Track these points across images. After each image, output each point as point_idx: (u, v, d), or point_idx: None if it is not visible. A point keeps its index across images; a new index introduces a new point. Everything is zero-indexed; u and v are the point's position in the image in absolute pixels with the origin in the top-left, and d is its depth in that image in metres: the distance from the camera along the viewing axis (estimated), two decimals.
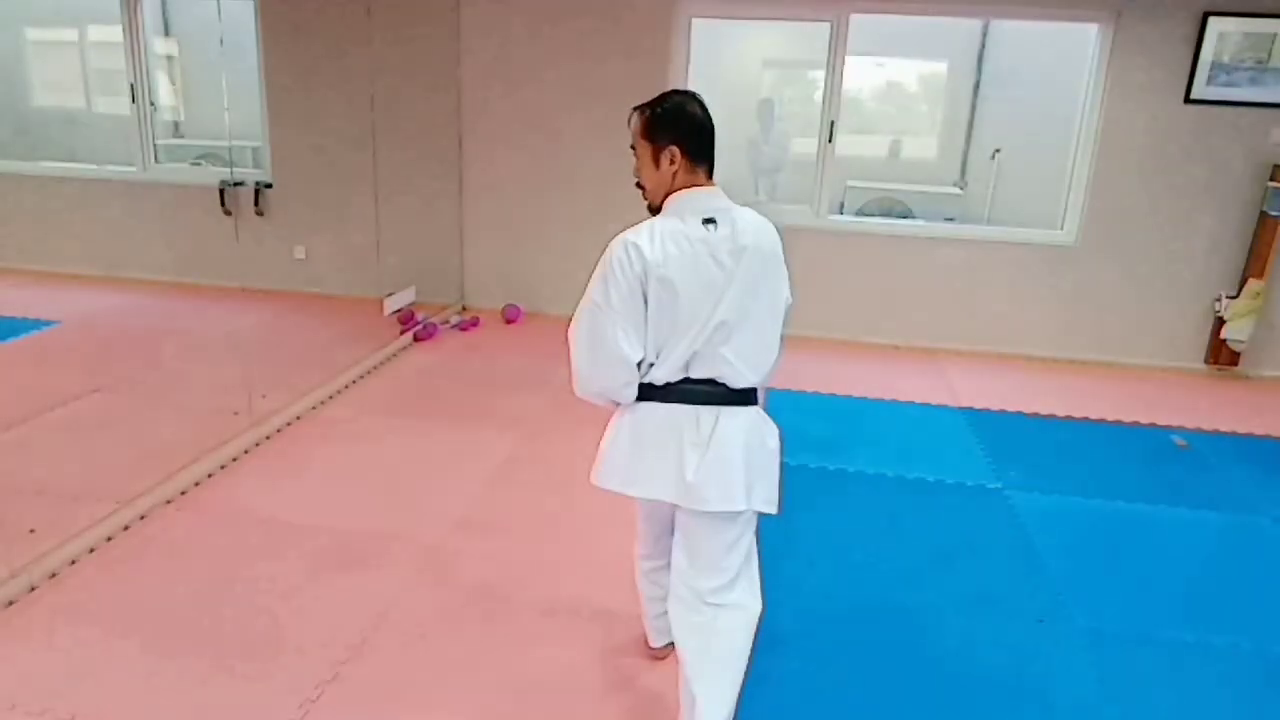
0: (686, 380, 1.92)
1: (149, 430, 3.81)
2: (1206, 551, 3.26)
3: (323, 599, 2.65)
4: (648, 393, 1.94)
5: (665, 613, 2.15)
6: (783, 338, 2.00)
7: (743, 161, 6.75)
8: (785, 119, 7.08)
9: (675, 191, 1.93)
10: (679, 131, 1.91)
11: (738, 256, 1.88)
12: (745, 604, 2.01)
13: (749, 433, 1.94)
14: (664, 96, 1.97)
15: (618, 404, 2.00)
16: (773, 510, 1.98)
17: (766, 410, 2.01)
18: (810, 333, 5.43)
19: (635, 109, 1.97)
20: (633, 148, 1.98)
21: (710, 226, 1.88)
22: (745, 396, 1.95)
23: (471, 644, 2.49)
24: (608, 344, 1.88)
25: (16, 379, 4.40)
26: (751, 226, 1.93)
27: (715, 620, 1.98)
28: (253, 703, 2.21)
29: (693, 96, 1.96)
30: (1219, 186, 5.03)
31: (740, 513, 1.97)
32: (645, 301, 1.86)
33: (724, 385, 1.92)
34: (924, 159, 7.40)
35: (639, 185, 2.00)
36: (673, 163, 1.91)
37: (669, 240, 1.86)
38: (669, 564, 2.09)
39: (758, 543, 2.06)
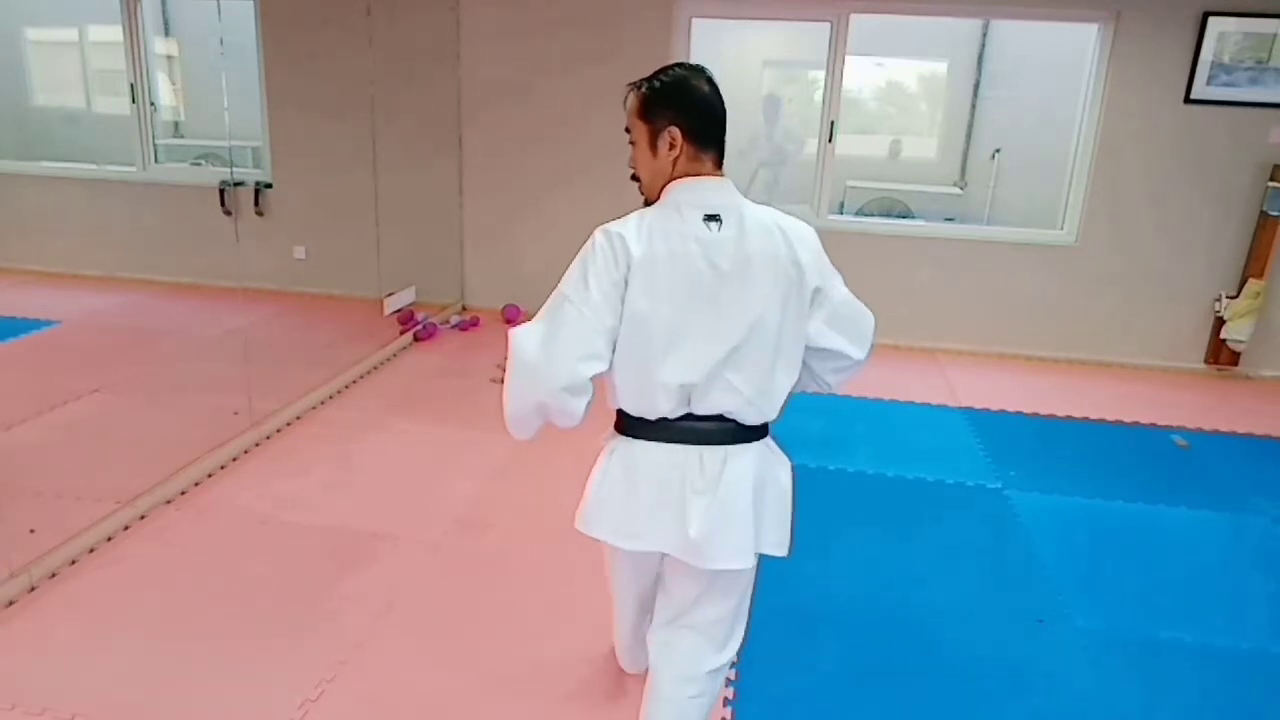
0: (689, 416, 1.60)
1: (149, 430, 3.81)
2: (1206, 551, 3.25)
3: (322, 599, 2.65)
4: (643, 430, 1.63)
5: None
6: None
7: (743, 158, 6.74)
8: (790, 118, 7.08)
9: (675, 180, 1.62)
10: (680, 110, 1.59)
11: (744, 264, 1.56)
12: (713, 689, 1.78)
13: (758, 472, 1.65)
14: (664, 70, 1.64)
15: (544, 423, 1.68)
16: (782, 553, 1.71)
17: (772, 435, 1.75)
18: None
19: (631, 85, 1.65)
20: (627, 130, 1.66)
21: (713, 224, 1.56)
22: (757, 432, 1.67)
23: (471, 644, 2.49)
24: (572, 339, 1.55)
25: (16, 379, 4.40)
26: (765, 228, 1.59)
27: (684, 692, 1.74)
28: (253, 702, 2.21)
29: (699, 70, 1.63)
30: (1219, 186, 5.02)
31: (744, 571, 1.69)
32: (622, 304, 1.56)
33: (734, 421, 1.62)
34: (924, 159, 7.40)
35: (634, 177, 1.69)
36: (672, 147, 1.59)
37: (658, 236, 1.55)
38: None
39: None
